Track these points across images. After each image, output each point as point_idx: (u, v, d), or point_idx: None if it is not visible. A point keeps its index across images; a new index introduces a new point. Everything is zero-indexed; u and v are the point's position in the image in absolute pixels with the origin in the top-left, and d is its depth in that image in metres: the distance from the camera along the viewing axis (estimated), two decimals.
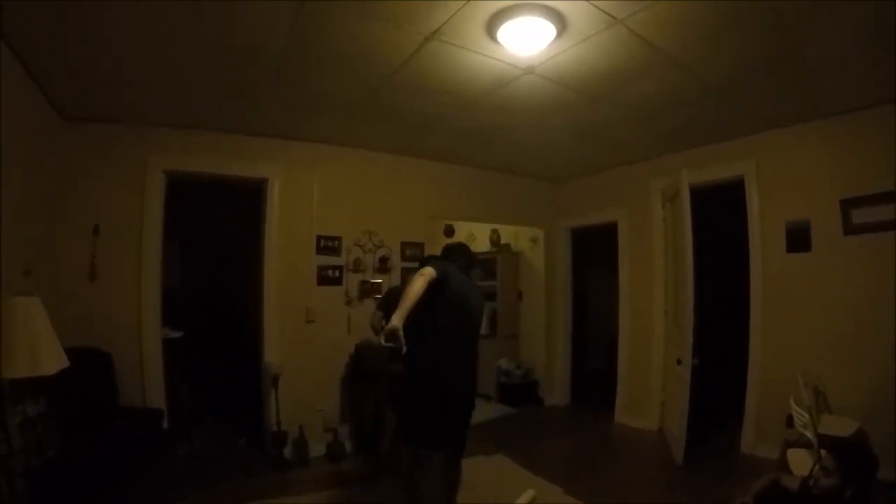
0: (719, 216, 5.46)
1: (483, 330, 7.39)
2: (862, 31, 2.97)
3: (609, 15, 2.83)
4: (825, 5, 2.70)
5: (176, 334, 5.09)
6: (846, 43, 3.11)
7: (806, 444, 3.36)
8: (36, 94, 3.61)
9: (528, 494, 3.83)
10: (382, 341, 2.66)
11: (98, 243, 4.28)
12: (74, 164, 4.23)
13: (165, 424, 4.27)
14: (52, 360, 2.67)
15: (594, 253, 7.18)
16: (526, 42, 3.05)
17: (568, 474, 4.35)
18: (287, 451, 4.69)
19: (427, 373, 2.91)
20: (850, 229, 4.21)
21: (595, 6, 2.75)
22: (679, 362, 4.55)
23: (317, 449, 4.86)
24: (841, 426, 3.42)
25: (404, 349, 2.62)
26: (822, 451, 2.77)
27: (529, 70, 3.55)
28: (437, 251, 7.13)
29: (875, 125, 4.06)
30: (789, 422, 3.83)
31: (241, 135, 4.84)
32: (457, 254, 3.38)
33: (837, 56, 3.29)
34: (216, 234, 6.21)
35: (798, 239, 4.53)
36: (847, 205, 4.22)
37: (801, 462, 3.04)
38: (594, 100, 4.08)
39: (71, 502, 2.86)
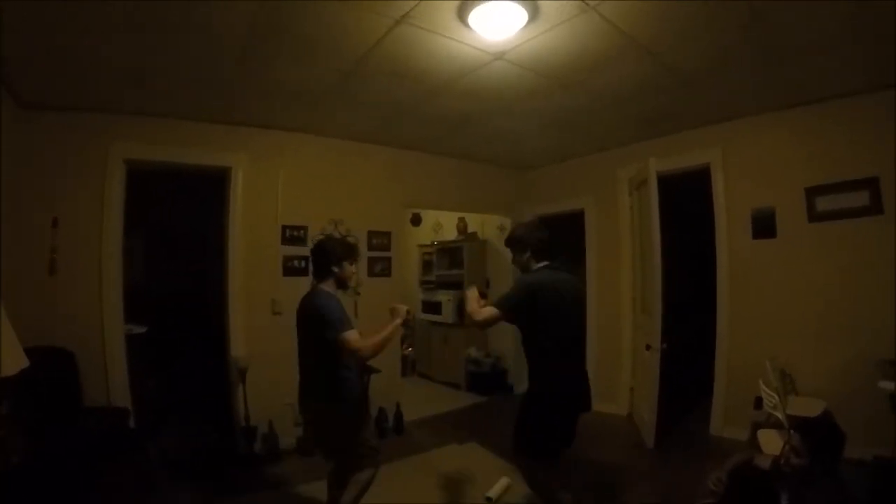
0: (687, 204, 5.52)
1: (450, 318, 7.42)
2: (829, 24, 3.03)
3: (582, 0, 2.81)
4: None
5: (140, 330, 4.96)
6: (816, 34, 3.16)
7: (775, 425, 3.45)
8: None
9: (503, 483, 3.83)
10: None
11: (57, 236, 4.11)
12: (32, 153, 4.03)
13: (132, 423, 4.15)
14: (10, 360, 2.54)
15: (561, 241, 7.17)
16: (497, 27, 3.01)
17: None
18: (257, 446, 4.61)
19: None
20: (814, 216, 4.31)
21: None
22: (648, 348, 4.60)
23: (287, 443, 4.79)
24: (808, 407, 3.52)
25: None
26: (791, 431, 2.83)
27: (500, 56, 3.51)
28: (405, 240, 6.94)
29: (841, 115, 4.17)
30: (757, 404, 3.94)
31: (205, 122, 4.68)
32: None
33: (806, 46, 3.34)
34: (180, 225, 6.06)
35: (764, 226, 4.62)
36: (812, 193, 4.32)
37: (772, 442, 3.10)
38: (564, 87, 4.07)
39: None
